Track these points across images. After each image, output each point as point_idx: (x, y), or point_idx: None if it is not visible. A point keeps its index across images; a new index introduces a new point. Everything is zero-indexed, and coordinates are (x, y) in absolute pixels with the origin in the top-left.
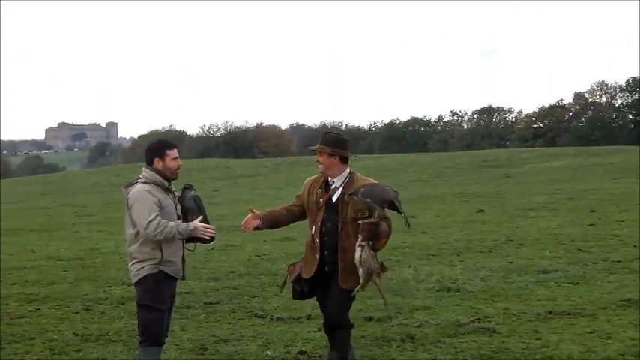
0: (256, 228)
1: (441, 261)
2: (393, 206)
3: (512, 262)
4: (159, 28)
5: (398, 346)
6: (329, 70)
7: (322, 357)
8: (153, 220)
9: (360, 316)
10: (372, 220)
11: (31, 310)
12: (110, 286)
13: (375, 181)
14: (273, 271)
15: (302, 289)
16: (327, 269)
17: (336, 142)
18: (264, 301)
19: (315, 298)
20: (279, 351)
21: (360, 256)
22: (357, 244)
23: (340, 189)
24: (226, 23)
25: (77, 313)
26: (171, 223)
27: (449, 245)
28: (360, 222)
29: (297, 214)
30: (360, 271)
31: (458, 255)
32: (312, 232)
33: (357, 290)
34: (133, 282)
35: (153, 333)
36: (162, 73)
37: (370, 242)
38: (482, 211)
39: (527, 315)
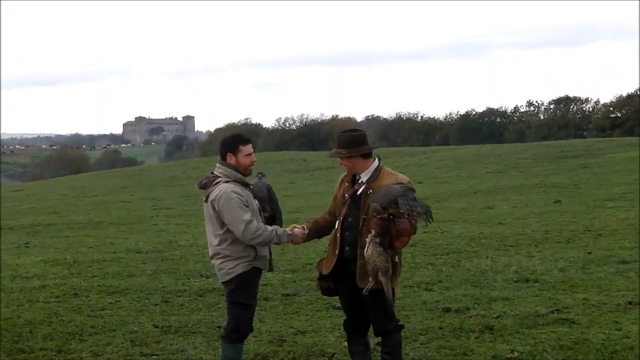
0: (305, 240)
1: (518, 252)
2: (396, 205)
3: (590, 253)
4: (235, 24)
5: (476, 338)
6: (404, 61)
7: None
8: (249, 222)
9: (437, 307)
10: (383, 215)
11: (112, 303)
12: (188, 279)
13: (401, 176)
14: None
15: (328, 285)
16: (350, 267)
17: (350, 143)
18: None
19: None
20: None
21: (366, 252)
22: (366, 239)
23: (365, 184)
24: (303, 17)
25: (156, 305)
26: (269, 228)
27: (526, 236)
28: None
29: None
30: (369, 269)
31: (536, 246)
32: (336, 226)
33: (367, 289)
34: (223, 280)
35: (243, 330)
36: (239, 66)
37: (380, 239)
38: (560, 201)
39: (606, 306)
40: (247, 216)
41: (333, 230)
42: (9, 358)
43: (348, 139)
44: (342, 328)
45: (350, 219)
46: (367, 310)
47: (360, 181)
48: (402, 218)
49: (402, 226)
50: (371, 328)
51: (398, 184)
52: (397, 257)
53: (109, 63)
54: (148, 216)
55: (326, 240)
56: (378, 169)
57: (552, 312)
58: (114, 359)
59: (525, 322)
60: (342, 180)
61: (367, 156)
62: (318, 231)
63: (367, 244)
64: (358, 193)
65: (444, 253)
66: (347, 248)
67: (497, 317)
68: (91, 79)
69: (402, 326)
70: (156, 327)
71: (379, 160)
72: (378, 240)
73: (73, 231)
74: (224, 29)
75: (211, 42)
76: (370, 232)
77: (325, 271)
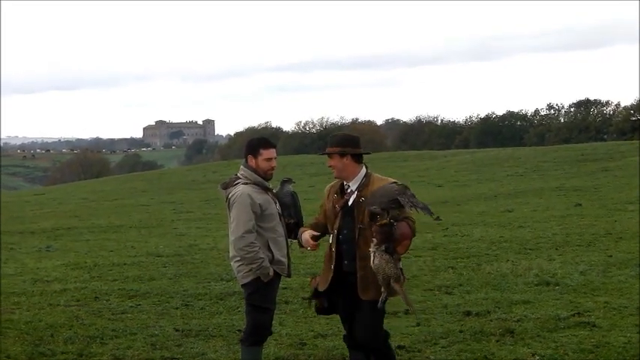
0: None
1: (539, 255)
2: (399, 204)
3: (611, 256)
4: (256, 27)
5: (497, 341)
6: (424, 64)
7: (421, 351)
8: (249, 233)
9: (458, 310)
10: (383, 221)
11: (132, 306)
12: (209, 282)
13: (392, 180)
14: None
15: (322, 305)
16: (349, 280)
17: (346, 141)
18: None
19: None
20: None
21: (372, 262)
22: (370, 249)
23: (356, 193)
24: (323, 20)
25: (177, 308)
26: (261, 255)
27: (547, 239)
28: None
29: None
30: (380, 279)
31: (556, 249)
32: (330, 240)
33: (382, 300)
34: (241, 283)
35: (260, 334)
36: (259, 70)
37: (385, 246)
38: (581, 204)
39: (628, 309)
40: (250, 225)
41: (328, 244)
42: None
43: (343, 138)
44: (344, 341)
45: (345, 231)
46: (358, 327)
47: (349, 190)
48: (401, 222)
49: (402, 230)
50: None
51: (394, 182)
52: (400, 263)
53: (130, 67)
54: (168, 220)
55: None
56: (367, 176)
57: (573, 315)
58: None
59: (546, 326)
60: (329, 191)
61: (359, 160)
62: (320, 230)
63: (372, 255)
64: (350, 203)
65: (465, 257)
66: (345, 262)
67: (518, 321)
68: (112, 84)
69: (388, 338)
70: (177, 330)
71: (367, 167)
72: (383, 247)
73: (93, 235)
74: (244, 33)
75: (232, 46)
76: (371, 241)
77: (322, 288)
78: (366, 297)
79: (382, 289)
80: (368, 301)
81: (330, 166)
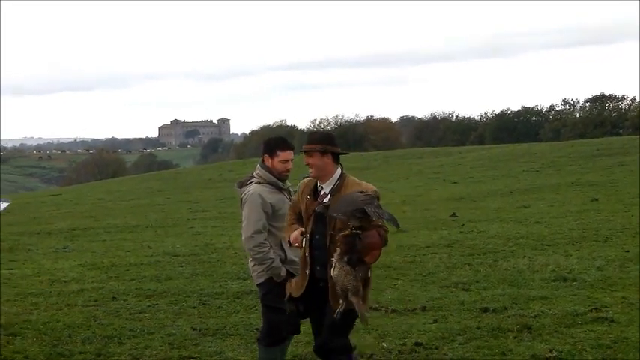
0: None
1: (556, 251)
2: (365, 214)
3: (628, 251)
4: (269, 26)
5: (515, 337)
6: (438, 61)
7: (439, 348)
8: (259, 233)
9: (475, 307)
10: (346, 232)
11: (150, 306)
12: (226, 281)
13: (367, 185)
14: (387, 264)
15: (297, 309)
16: (321, 285)
17: (326, 139)
18: (379, 294)
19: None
20: (396, 343)
21: (332, 272)
22: (332, 258)
23: (329, 196)
24: (336, 19)
25: (194, 307)
26: (271, 255)
27: (563, 235)
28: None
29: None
30: (337, 290)
31: (573, 244)
32: (303, 244)
33: (340, 312)
34: (256, 282)
35: (276, 334)
36: (274, 68)
37: (347, 257)
38: (597, 200)
39: None
40: (259, 225)
41: (302, 249)
42: None
43: (324, 135)
44: (313, 349)
45: (317, 236)
46: (324, 328)
47: (322, 193)
48: (370, 231)
49: (370, 240)
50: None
51: (361, 192)
52: (369, 272)
53: (145, 67)
54: (184, 219)
55: None
56: (342, 178)
57: (590, 311)
58: None
59: (564, 321)
60: (303, 190)
61: (337, 160)
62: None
63: (334, 264)
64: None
65: (481, 253)
66: (318, 268)
67: (536, 316)
68: (127, 84)
69: (351, 349)
70: (194, 329)
71: (342, 168)
72: (345, 258)
73: (110, 235)
74: (259, 33)
75: (246, 45)
76: (334, 251)
77: (296, 294)
78: (337, 306)
79: (340, 301)
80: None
81: (308, 164)
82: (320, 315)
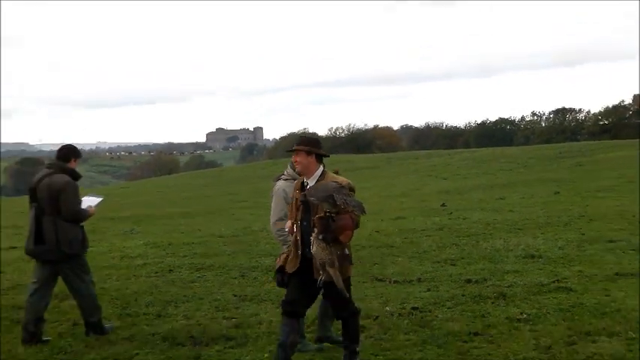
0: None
1: (525, 233)
2: (333, 199)
3: (584, 234)
4: (296, 51)
5: (492, 303)
6: (432, 80)
7: (431, 312)
8: (277, 222)
9: (461, 279)
10: (321, 214)
11: (199, 277)
12: (260, 257)
13: (342, 179)
14: (390, 244)
15: (282, 278)
16: (310, 264)
17: (312, 142)
18: (383, 268)
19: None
20: (396, 307)
21: (312, 248)
22: (312, 237)
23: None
24: (348, 43)
25: (235, 278)
26: (290, 239)
27: (532, 221)
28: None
29: None
30: (317, 263)
31: (539, 229)
32: (294, 229)
33: (321, 280)
34: None
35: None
36: (298, 86)
37: (322, 235)
38: (559, 192)
39: (598, 276)
40: (282, 214)
41: (294, 234)
42: (119, 320)
43: (310, 139)
44: (281, 309)
45: (304, 223)
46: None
47: (307, 187)
48: (343, 214)
49: (343, 222)
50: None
51: (334, 182)
52: (347, 250)
53: (196, 85)
54: (226, 207)
55: (371, 227)
56: (323, 174)
57: (553, 282)
58: (202, 322)
59: (532, 290)
60: (295, 187)
61: (320, 160)
62: None
63: (312, 242)
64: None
65: (466, 235)
66: (307, 250)
67: (509, 286)
68: (181, 99)
69: (357, 312)
70: (235, 296)
71: (324, 166)
72: (320, 237)
73: (167, 220)
74: (288, 57)
75: (278, 67)
76: (313, 231)
77: (290, 270)
78: (318, 277)
79: (320, 272)
80: (324, 285)
81: (295, 162)
82: (308, 282)
